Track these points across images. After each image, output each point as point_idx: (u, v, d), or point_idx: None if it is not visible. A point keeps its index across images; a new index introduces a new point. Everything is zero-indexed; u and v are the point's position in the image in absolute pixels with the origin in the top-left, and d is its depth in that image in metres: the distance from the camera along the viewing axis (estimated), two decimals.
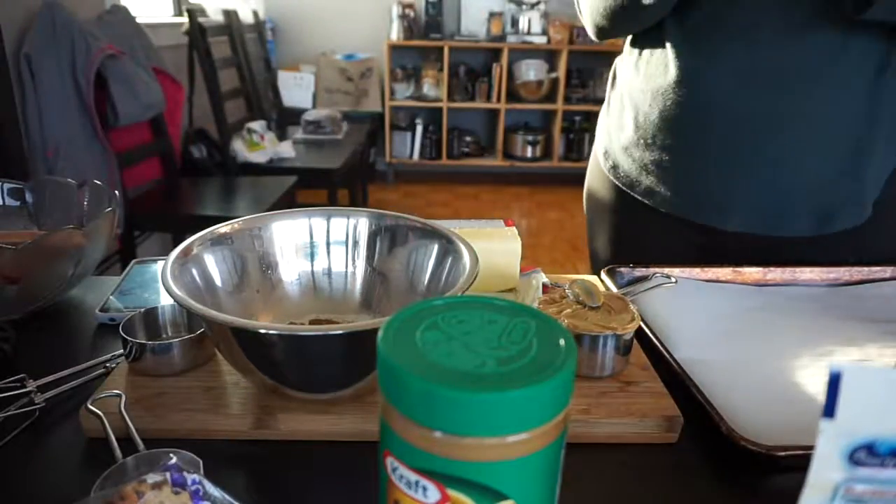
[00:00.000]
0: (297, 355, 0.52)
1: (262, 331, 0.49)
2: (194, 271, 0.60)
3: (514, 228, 0.74)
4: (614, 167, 0.99)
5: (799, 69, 0.78)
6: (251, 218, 0.67)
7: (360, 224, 0.70)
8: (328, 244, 0.70)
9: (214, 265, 0.63)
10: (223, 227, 0.65)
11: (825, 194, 0.85)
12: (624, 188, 0.97)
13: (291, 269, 0.69)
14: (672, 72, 0.85)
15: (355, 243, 0.70)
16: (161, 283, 0.54)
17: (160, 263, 0.87)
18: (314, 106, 4.41)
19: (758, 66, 0.79)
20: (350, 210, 0.70)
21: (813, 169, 0.83)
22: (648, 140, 0.91)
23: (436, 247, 0.65)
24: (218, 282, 0.63)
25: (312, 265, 0.70)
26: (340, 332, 0.48)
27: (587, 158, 4.30)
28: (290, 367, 0.53)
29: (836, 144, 0.82)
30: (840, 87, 0.78)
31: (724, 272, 0.84)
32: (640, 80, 0.91)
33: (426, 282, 0.64)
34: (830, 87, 0.79)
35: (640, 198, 0.95)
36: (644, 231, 0.98)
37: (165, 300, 0.75)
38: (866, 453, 0.27)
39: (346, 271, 0.70)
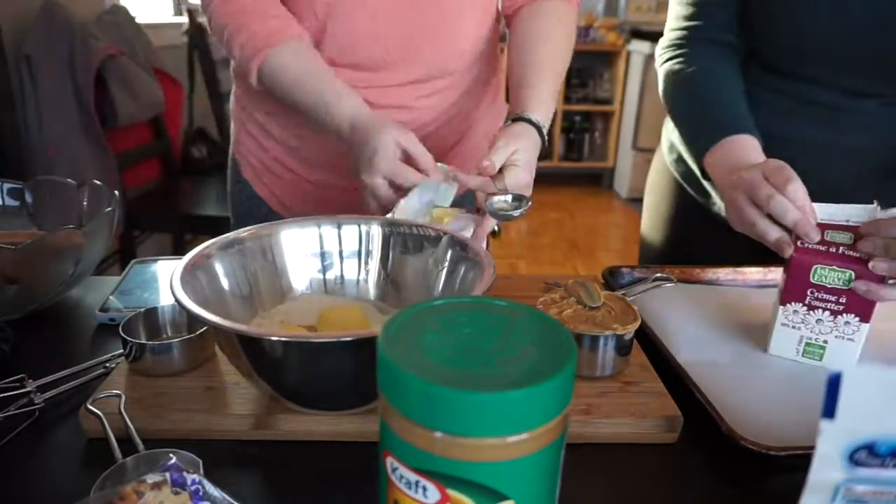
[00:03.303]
0: (301, 363, 0.52)
1: (275, 338, 0.49)
2: (203, 280, 0.60)
3: None
4: (678, 160, 0.98)
5: (847, 111, 0.83)
6: (261, 226, 0.68)
7: (372, 231, 0.70)
8: (340, 253, 0.70)
9: (223, 274, 0.63)
10: (232, 236, 0.65)
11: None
12: (683, 183, 0.97)
13: (302, 278, 0.69)
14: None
15: (368, 252, 0.70)
16: (171, 291, 0.54)
17: (160, 264, 0.87)
18: None
19: (813, 102, 0.84)
20: (361, 218, 0.70)
21: (857, 194, 0.85)
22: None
23: (448, 254, 0.65)
24: (227, 291, 0.63)
25: (324, 274, 0.70)
26: (349, 338, 0.48)
27: (587, 158, 4.28)
28: (295, 376, 0.53)
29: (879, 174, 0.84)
30: (883, 129, 0.83)
31: (725, 272, 0.84)
32: None
33: (440, 289, 0.64)
34: (874, 129, 0.83)
35: (697, 197, 0.95)
36: (699, 228, 0.98)
37: (165, 300, 0.75)
38: (866, 454, 0.27)
39: (359, 279, 0.70)
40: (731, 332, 0.71)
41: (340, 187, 0.94)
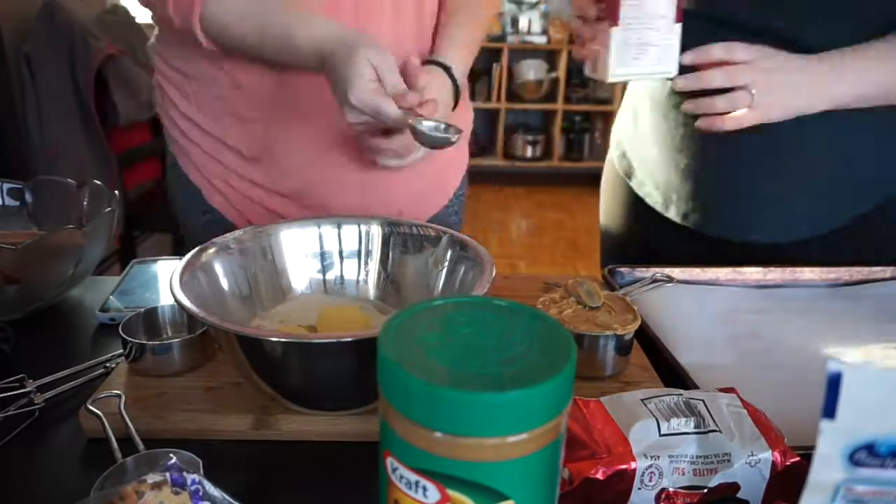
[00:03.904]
0: (302, 363, 0.52)
1: (274, 339, 0.50)
2: (203, 280, 0.60)
3: None
4: (628, 172, 0.99)
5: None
6: (261, 227, 0.68)
7: (372, 231, 0.70)
8: (340, 253, 0.70)
9: (223, 274, 0.63)
10: (231, 236, 0.65)
11: (823, 201, 0.85)
12: (638, 193, 0.97)
13: (302, 278, 0.69)
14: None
15: (368, 252, 0.70)
16: (171, 292, 0.54)
17: (160, 264, 0.87)
18: None
19: None
20: (361, 218, 0.70)
21: (816, 182, 0.83)
22: (664, 152, 0.91)
23: (448, 253, 0.65)
24: (227, 291, 0.63)
25: (324, 274, 0.70)
26: (349, 338, 0.48)
27: (587, 158, 4.29)
28: (295, 377, 0.53)
29: (839, 160, 0.82)
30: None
31: (725, 272, 0.84)
32: (644, 88, 0.92)
33: (439, 289, 0.64)
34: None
35: (653, 206, 0.95)
36: (653, 234, 0.97)
37: (165, 300, 0.75)
38: (867, 454, 0.27)
39: (359, 279, 0.70)
40: (731, 332, 0.71)
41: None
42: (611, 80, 0.68)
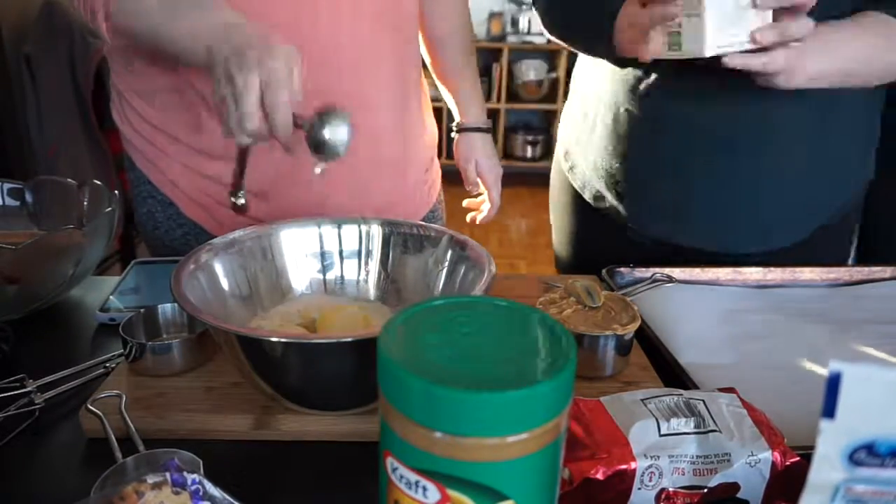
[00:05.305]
0: (302, 363, 0.52)
1: (275, 339, 0.50)
2: (203, 280, 0.60)
3: None
4: (572, 168, 0.99)
5: (753, 88, 0.74)
6: (261, 227, 0.68)
7: (372, 231, 0.70)
8: (340, 253, 0.70)
9: (223, 274, 0.63)
10: (231, 236, 0.65)
11: (769, 212, 0.86)
12: (579, 191, 0.98)
13: (302, 278, 0.69)
14: (628, 83, 0.87)
15: (368, 252, 0.70)
16: (171, 292, 0.54)
17: (160, 264, 0.87)
18: None
19: (713, 84, 0.78)
20: (361, 218, 0.70)
21: (761, 188, 0.84)
22: (604, 148, 0.91)
23: (448, 253, 0.65)
24: (227, 291, 0.63)
25: (324, 274, 0.70)
26: (349, 338, 0.48)
27: None
28: (295, 377, 0.53)
29: (786, 164, 0.82)
30: (795, 105, 0.79)
31: (725, 272, 0.84)
32: (597, 87, 0.92)
33: (440, 289, 0.64)
34: (786, 105, 0.79)
35: (591, 202, 0.96)
36: (599, 235, 0.98)
37: (165, 300, 0.75)
38: (866, 453, 0.27)
39: (359, 279, 0.70)
40: (731, 332, 0.71)
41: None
42: (709, 53, 0.67)
